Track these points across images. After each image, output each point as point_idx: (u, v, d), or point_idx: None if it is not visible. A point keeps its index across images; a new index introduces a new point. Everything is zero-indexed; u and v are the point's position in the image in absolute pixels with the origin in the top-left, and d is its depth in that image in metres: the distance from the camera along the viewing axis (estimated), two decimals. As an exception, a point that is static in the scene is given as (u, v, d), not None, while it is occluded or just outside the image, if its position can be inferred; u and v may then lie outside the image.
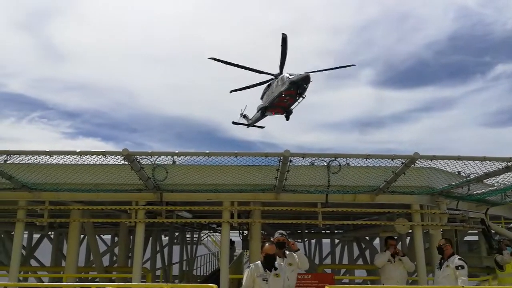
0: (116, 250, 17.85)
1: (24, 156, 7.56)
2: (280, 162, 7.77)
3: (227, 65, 26.56)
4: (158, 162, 8.29)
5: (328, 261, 22.76)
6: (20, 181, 8.64)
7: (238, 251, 30.08)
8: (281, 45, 25.43)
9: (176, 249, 24.16)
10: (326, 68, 27.36)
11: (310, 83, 25.11)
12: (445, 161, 7.61)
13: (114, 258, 19.20)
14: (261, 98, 30.35)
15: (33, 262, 18.15)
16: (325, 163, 8.42)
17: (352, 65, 28.36)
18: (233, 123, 34.96)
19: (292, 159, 7.69)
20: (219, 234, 31.15)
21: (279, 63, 26.84)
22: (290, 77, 25.29)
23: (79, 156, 7.53)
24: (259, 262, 6.13)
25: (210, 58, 25.51)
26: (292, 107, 27.52)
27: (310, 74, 24.87)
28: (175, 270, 23.36)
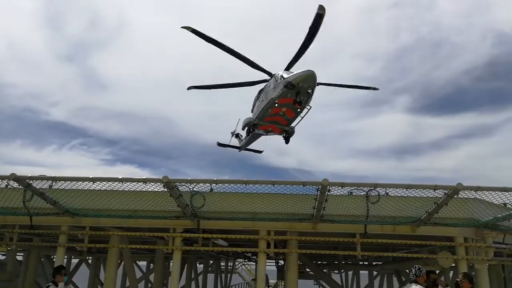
0: (151, 277, 17.96)
1: (69, 182, 7.83)
2: (318, 191, 7.69)
3: (205, 41, 17.23)
4: (196, 190, 8.37)
5: (365, 293, 22.11)
6: (64, 206, 8.87)
7: (271, 281, 29.58)
8: (312, 23, 15.51)
9: (210, 277, 24.06)
10: (344, 84, 19.79)
11: (317, 87, 16.60)
12: (490, 192, 7.36)
13: (149, 285, 19.30)
14: (252, 111, 21.73)
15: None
16: (363, 193, 8.28)
17: (375, 89, 20.76)
18: (219, 144, 25.98)
19: (330, 188, 7.61)
20: (253, 263, 30.81)
21: (293, 55, 17.21)
22: (286, 76, 16.74)
23: (121, 182, 7.72)
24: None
25: (184, 27, 16.90)
26: (293, 124, 19.08)
27: (314, 72, 16.03)
28: (209, 299, 23.27)
